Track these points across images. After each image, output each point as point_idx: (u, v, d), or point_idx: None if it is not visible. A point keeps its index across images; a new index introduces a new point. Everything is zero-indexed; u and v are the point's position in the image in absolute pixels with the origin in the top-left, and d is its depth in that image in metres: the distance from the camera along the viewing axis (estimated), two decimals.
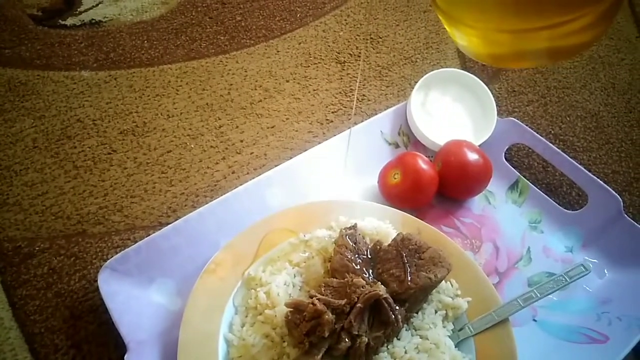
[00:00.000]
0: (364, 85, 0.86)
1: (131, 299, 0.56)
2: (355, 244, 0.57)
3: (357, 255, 0.56)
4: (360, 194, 0.70)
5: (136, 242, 0.59)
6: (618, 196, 0.67)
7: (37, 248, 0.63)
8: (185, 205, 0.68)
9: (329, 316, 0.49)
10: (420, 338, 0.53)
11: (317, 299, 0.51)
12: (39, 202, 0.67)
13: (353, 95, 0.83)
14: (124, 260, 0.57)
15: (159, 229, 0.60)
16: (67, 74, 0.83)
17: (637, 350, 0.58)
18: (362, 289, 0.52)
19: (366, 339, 0.50)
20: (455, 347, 0.54)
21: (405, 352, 0.52)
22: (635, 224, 0.66)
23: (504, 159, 0.74)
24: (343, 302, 0.51)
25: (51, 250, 0.63)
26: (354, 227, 0.58)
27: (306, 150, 0.69)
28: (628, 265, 0.65)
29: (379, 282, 0.53)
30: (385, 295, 0.51)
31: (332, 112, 0.81)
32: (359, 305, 0.50)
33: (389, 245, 0.58)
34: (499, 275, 0.64)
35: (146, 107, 0.79)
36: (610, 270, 0.65)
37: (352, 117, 0.79)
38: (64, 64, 0.84)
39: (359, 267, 0.55)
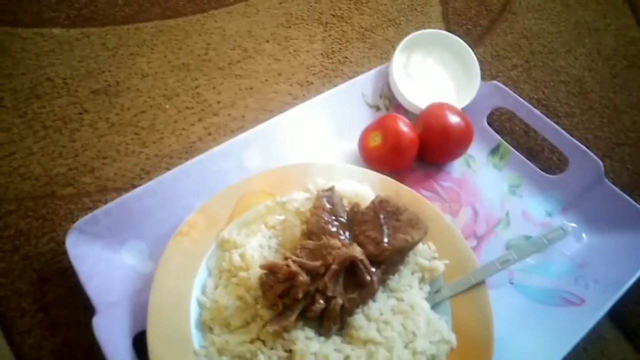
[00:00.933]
0: (346, 47, 0.83)
1: (101, 261, 0.55)
2: (332, 206, 0.56)
3: (333, 218, 0.55)
4: (339, 157, 0.68)
5: (107, 204, 0.57)
6: (599, 161, 0.67)
7: (3, 210, 0.61)
8: (159, 167, 0.66)
9: (303, 278, 0.48)
10: (396, 300, 0.53)
11: (291, 260, 0.49)
12: (6, 163, 0.64)
13: (335, 57, 0.81)
14: (93, 221, 0.56)
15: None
16: (36, 30, 0.79)
17: (612, 312, 0.58)
18: (337, 250, 0.51)
19: (341, 301, 0.49)
20: (431, 309, 0.54)
21: (381, 314, 0.52)
22: (616, 189, 0.66)
23: (486, 123, 0.73)
24: (318, 263, 0.50)
25: (19, 212, 0.61)
26: (332, 189, 0.57)
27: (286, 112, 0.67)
28: (606, 230, 0.65)
29: (355, 244, 0.52)
30: (361, 257, 0.50)
31: (313, 74, 0.79)
32: (334, 266, 0.50)
33: (367, 207, 0.57)
34: (477, 238, 0.64)
35: (120, 66, 0.76)
36: (588, 235, 0.65)
37: None
38: (33, 20, 0.80)
39: (335, 229, 0.54)
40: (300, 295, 0.48)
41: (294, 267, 0.48)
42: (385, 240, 0.53)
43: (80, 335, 0.54)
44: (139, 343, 0.50)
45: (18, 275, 0.57)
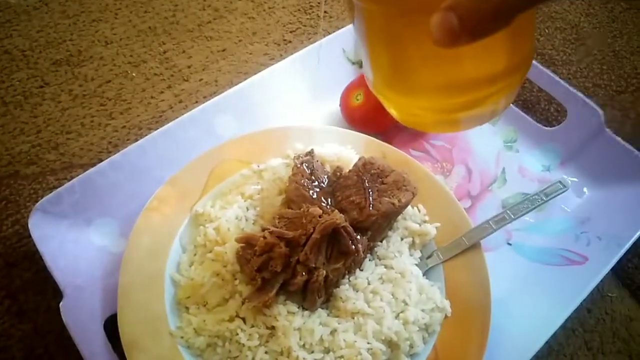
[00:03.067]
0: (325, 0, 0.78)
1: (67, 242, 0.51)
2: (312, 171, 0.52)
3: (314, 184, 0.51)
4: (320, 119, 0.64)
5: (71, 181, 0.53)
6: (599, 110, 0.62)
7: None
8: (128, 140, 0.62)
9: (282, 249, 0.45)
10: (385, 268, 0.49)
11: (269, 231, 0.46)
12: None
13: (313, 12, 0.75)
14: (56, 200, 0.52)
15: None
16: None
17: (616, 269, 0.55)
18: (318, 218, 0.47)
19: (324, 272, 0.46)
20: (423, 275, 0.50)
21: (369, 284, 0.48)
22: (618, 138, 0.62)
23: None
24: (298, 233, 0.46)
25: None
26: (311, 153, 0.53)
27: None
28: (608, 182, 0.61)
29: (337, 211, 0.48)
30: (343, 224, 0.46)
31: (291, 32, 0.74)
32: (314, 235, 0.46)
33: (350, 171, 0.52)
34: (472, 198, 0.60)
35: (81, 34, 0.71)
36: (589, 188, 0.61)
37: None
38: None
39: (316, 195, 0.50)
40: (279, 268, 0.44)
41: (270, 238, 0.45)
42: (370, 204, 0.49)
43: (50, 321, 0.50)
44: (111, 327, 0.47)
45: None
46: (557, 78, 0.64)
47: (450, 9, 0.24)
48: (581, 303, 0.50)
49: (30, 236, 0.51)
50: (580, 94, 0.63)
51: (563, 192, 0.52)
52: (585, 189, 0.61)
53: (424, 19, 0.26)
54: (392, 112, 0.40)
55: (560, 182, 0.51)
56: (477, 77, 0.33)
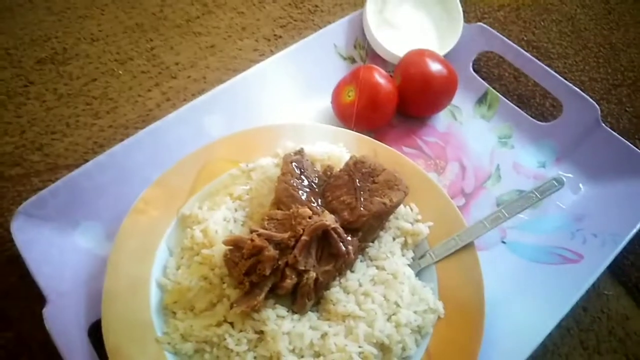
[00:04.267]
0: None
1: (52, 246, 0.50)
2: (301, 170, 0.50)
3: (304, 184, 0.50)
4: (312, 116, 0.62)
5: (55, 183, 0.51)
6: (595, 104, 0.61)
7: None
8: (114, 139, 0.60)
9: (270, 252, 0.43)
10: (377, 269, 0.48)
11: (257, 233, 0.44)
12: None
13: (304, 6, 0.74)
14: (40, 204, 0.50)
15: None
16: None
17: (612, 267, 0.54)
18: (308, 219, 0.46)
19: (314, 274, 0.45)
20: (416, 276, 0.49)
21: (360, 285, 0.47)
22: (614, 133, 0.61)
23: (472, 70, 0.67)
24: (287, 235, 0.45)
25: None
26: (301, 152, 0.52)
27: None
28: (605, 178, 0.60)
29: (327, 212, 0.47)
30: (333, 225, 0.45)
31: (281, 27, 0.72)
32: (304, 237, 0.45)
33: (341, 170, 0.51)
34: (466, 196, 0.59)
35: (67, 31, 0.69)
36: (585, 185, 0.60)
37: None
38: None
39: (305, 196, 0.49)
40: (267, 272, 0.43)
41: (259, 241, 0.43)
42: (361, 205, 0.48)
43: (34, 328, 0.49)
44: (97, 333, 0.46)
45: None
46: (552, 72, 0.63)
47: None
48: (577, 302, 0.49)
49: (12, 240, 0.50)
50: (576, 88, 0.62)
51: (558, 189, 0.51)
52: (581, 185, 0.60)
53: None
54: None
55: (555, 179, 0.50)
56: None
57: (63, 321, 0.46)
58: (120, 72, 0.66)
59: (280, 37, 0.71)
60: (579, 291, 0.50)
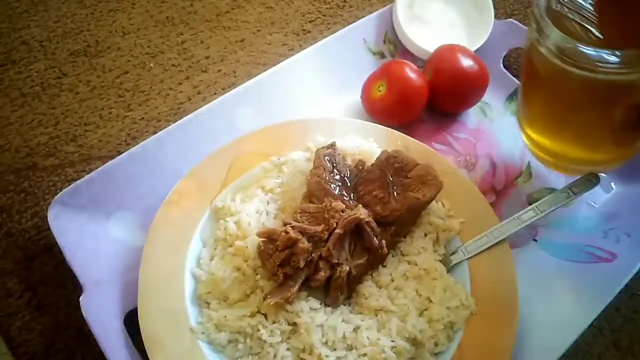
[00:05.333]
0: None
1: (86, 235, 0.50)
2: (334, 164, 0.51)
3: (336, 177, 0.50)
4: (341, 111, 0.62)
5: (90, 173, 0.52)
6: None
7: None
8: (146, 132, 0.61)
9: (304, 244, 0.44)
10: (409, 264, 0.48)
11: (291, 226, 0.45)
12: None
13: (332, 1, 0.74)
14: (75, 193, 0.51)
15: None
16: None
17: None
18: (341, 213, 0.46)
19: (347, 268, 0.45)
20: (448, 272, 0.49)
21: (392, 280, 0.47)
22: None
23: (502, 66, 0.66)
24: (320, 228, 0.45)
25: None
26: (333, 146, 0.52)
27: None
28: (637, 178, 0.59)
29: (360, 205, 0.47)
30: (367, 219, 0.46)
31: (310, 22, 0.72)
32: (337, 231, 0.45)
33: (372, 164, 0.51)
34: (496, 193, 0.58)
35: (99, 24, 0.70)
36: (617, 184, 0.59)
37: None
38: None
39: (338, 190, 0.49)
40: (301, 264, 0.44)
41: (293, 234, 0.44)
42: (394, 199, 0.48)
43: (70, 315, 0.50)
44: (132, 322, 0.46)
45: (1, 254, 0.53)
46: None
47: None
48: (610, 302, 0.49)
49: (49, 229, 0.51)
50: None
51: (593, 187, 0.50)
52: (613, 184, 0.59)
53: None
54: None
55: (589, 176, 0.50)
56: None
57: (99, 309, 0.46)
58: (152, 65, 0.67)
59: (309, 32, 0.71)
60: (613, 291, 0.49)
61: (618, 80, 0.42)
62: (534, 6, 0.45)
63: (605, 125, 0.48)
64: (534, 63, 0.47)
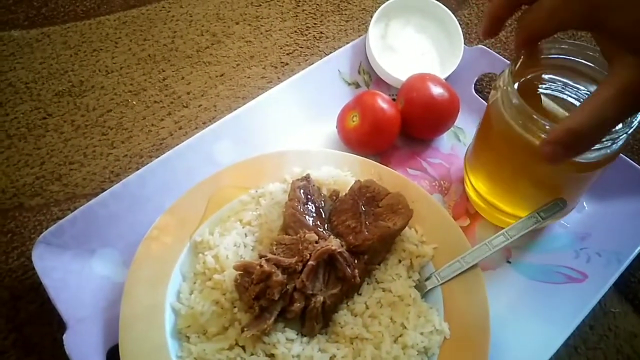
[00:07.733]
0: (321, 21, 0.78)
1: (70, 273, 0.52)
2: (308, 196, 0.52)
3: (310, 209, 0.51)
4: (319, 142, 0.64)
5: (73, 212, 0.54)
6: None
7: None
8: (129, 168, 0.63)
9: (278, 277, 0.45)
10: (383, 291, 0.49)
11: (265, 259, 0.46)
12: None
13: (309, 33, 0.76)
14: (58, 232, 0.53)
15: None
16: None
17: (619, 284, 0.54)
18: (314, 244, 0.47)
19: (322, 298, 0.46)
20: (422, 298, 0.50)
21: (367, 308, 0.48)
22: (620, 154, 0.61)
23: (474, 91, 0.68)
24: (294, 260, 0.46)
25: None
26: (307, 177, 0.53)
27: None
28: (609, 197, 0.60)
29: (333, 236, 0.49)
30: (339, 250, 0.47)
31: (287, 54, 0.74)
32: (310, 262, 0.46)
33: (346, 194, 0.53)
34: (470, 217, 0.60)
35: (83, 64, 0.72)
36: (589, 204, 0.61)
37: None
38: None
39: (312, 221, 0.50)
40: (276, 296, 0.45)
41: (267, 267, 0.45)
42: (366, 228, 0.49)
43: (55, 353, 0.51)
44: (115, 357, 0.47)
45: None
46: None
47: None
48: (583, 319, 0.50)
49: (34, 268, 0.52)
50: None
51: (561, 209, 0.51)
52: (585, 204, 0.61)
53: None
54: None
55: (557, 200, 0.51)
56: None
57: (82, 346, 0.47)
58: (134, 102, 0.68)
59: (287, 64, 0.73)
60: (584, 311, 0.50)
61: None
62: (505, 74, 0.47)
63: (534, 188, 0.52)
64: (492, 118, 0.49)
